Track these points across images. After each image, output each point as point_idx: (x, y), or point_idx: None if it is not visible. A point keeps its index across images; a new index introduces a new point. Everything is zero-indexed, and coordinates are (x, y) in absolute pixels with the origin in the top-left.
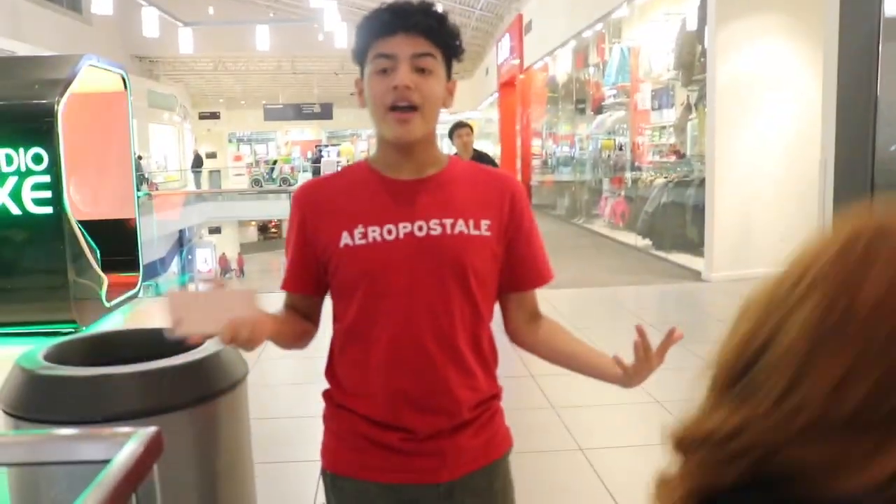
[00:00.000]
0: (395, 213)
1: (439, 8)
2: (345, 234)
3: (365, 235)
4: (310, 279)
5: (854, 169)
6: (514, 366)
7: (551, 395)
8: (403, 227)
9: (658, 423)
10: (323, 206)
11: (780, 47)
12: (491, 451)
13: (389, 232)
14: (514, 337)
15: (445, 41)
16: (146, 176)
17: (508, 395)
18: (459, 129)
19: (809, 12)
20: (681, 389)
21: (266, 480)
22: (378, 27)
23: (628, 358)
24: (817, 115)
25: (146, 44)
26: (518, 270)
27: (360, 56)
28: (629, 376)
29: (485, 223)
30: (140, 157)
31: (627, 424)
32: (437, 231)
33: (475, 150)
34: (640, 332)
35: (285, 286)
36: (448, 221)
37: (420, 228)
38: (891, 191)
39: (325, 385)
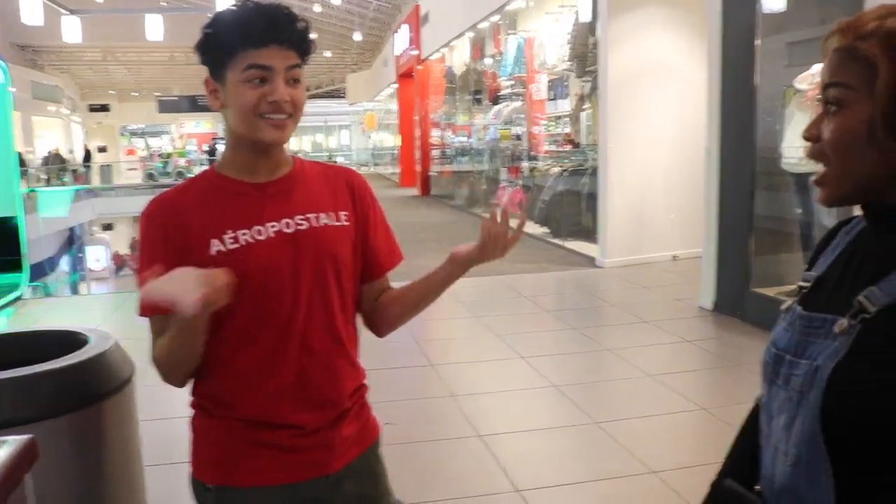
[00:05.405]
0: (259, 214)
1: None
2: (214, 242)
3: (236, 239)
4: None
5: (737, 157)
6: (413, 356)
7: (450, 383)
8: (272, 226)
9: (555, 406)
10: (183, 218)
11: (668, 39)
12: (366, 437)
13: (259, 232)
14: (368, 319)
15: (308, 49)
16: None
17: (408, 384)
18: None
19: (695, 5)
20: (577, 373)
21: (159, 482)
22: (251, 36)
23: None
24: (703, 105)
25: (28, 32)
26: (370, 259)
27: (222, 58)
28: (482, 249)
29: (343, 214)
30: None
31: (525, 409)
32: (304, 226)
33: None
34: (493, 215)
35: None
36: (311, 216)
37: (287, 225)
38: (770, 177)
39: None
